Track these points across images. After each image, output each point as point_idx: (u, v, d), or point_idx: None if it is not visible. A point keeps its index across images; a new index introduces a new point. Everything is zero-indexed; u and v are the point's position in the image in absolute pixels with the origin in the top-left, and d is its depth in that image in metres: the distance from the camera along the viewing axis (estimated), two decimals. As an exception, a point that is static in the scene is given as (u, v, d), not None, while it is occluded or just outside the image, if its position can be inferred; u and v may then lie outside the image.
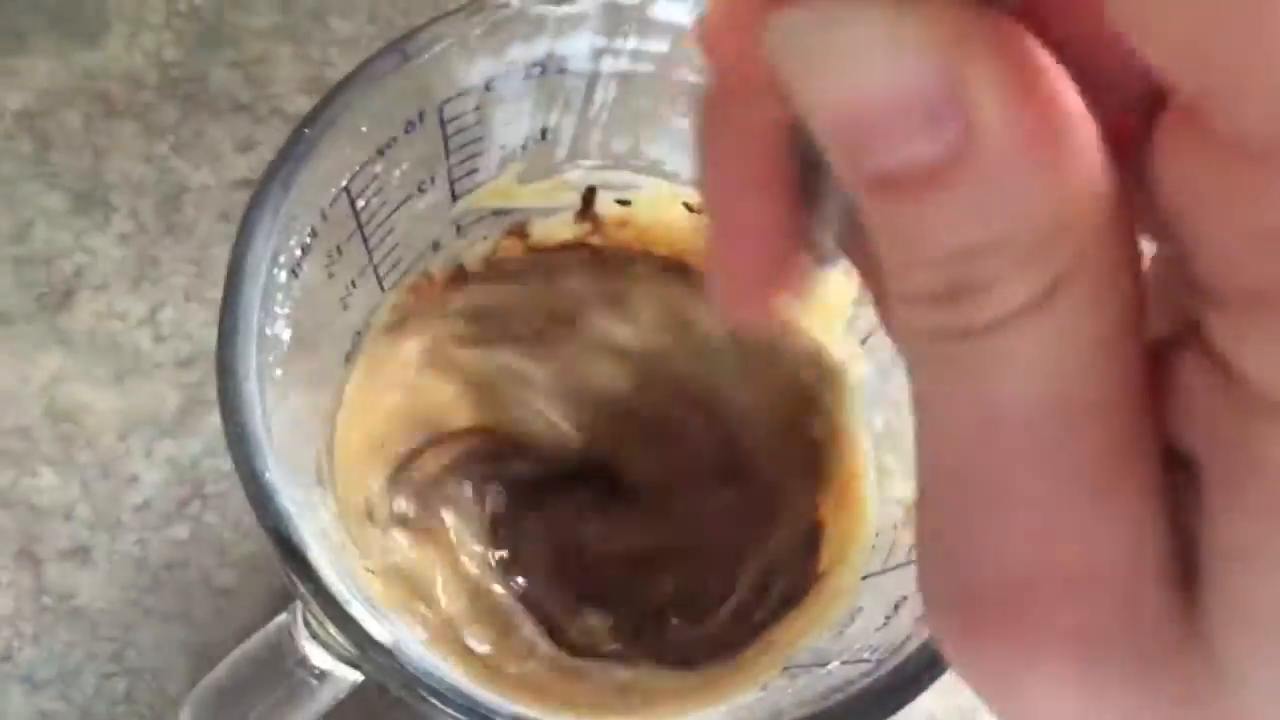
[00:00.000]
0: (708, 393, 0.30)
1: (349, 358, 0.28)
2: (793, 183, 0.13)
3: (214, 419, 0.34)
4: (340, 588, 0.21)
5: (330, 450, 0.27)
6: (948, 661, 0.12)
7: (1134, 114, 0.12)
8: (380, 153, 0.25)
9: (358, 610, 0.21)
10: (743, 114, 0.13)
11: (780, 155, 0.13)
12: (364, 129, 0.24)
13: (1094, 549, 0.11)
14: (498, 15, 0.24)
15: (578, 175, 0.29)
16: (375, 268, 0.27)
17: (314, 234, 0.24)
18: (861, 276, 0.14)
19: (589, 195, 0.29)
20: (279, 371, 0.23)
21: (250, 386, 0.22)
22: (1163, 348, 0.12)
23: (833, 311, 0.30)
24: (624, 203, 0.30)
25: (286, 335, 0.24)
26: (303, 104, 0.37)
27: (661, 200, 0.29)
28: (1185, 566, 0.11)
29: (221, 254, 0.35)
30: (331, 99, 0.24)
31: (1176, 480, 0.11)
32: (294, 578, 0.21)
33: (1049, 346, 0.11)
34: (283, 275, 0.24)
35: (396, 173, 0.26)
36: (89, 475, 0.34)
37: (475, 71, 0.25)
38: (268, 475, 0.21)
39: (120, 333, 0.35)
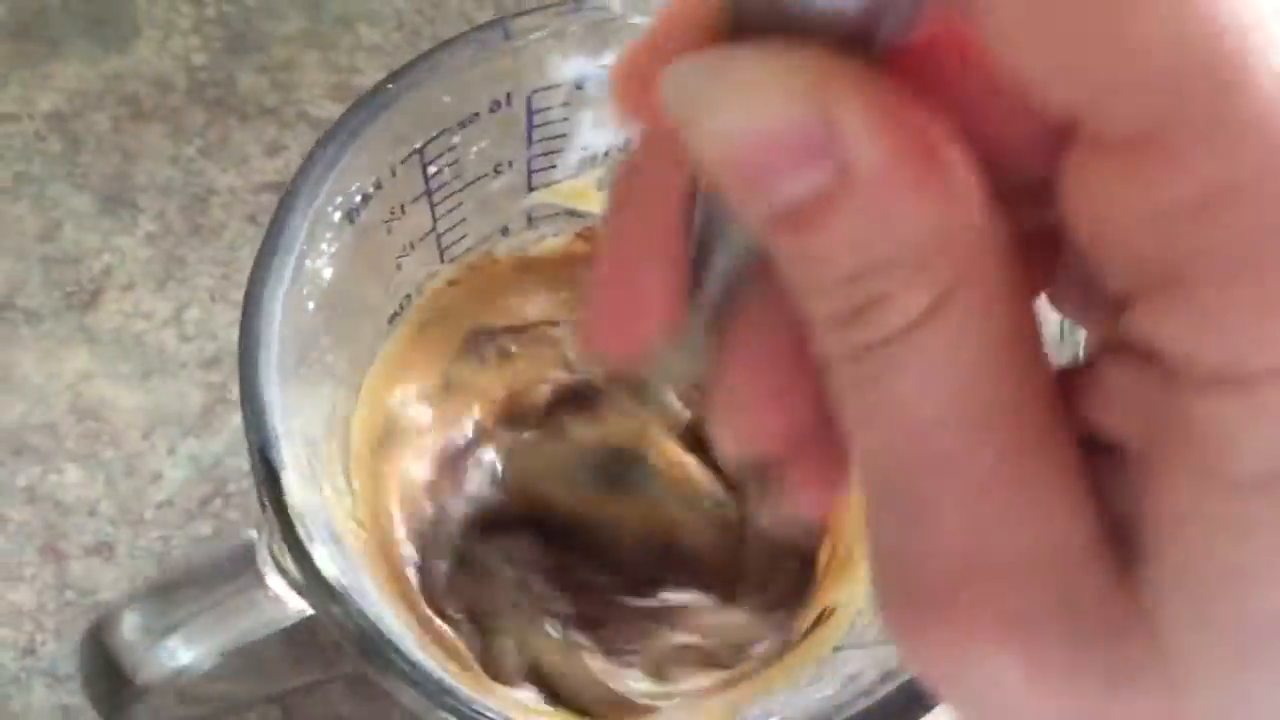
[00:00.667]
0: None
1: (393, 318, 0.28)
2: (685, 249, 0.15)
3: (237, 419, 0.35)
4: (309, 520, 0.22)
5: (352, 397, 0.27)
6: (900, 652, 0.13)
7: (1033, 166, 0.13)
8: (462, 125, 0.25)
9: (321, 550, 0.22)
10: (657, 172, 0.15)
11: (679, 222, 0.15)
12: (447, 98, 0.24)
13: (1018, 538, 0.12)
14: (597, 17, 0.25)
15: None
16: (439, 236, 0.27)
17: (378, 186, 0.24)
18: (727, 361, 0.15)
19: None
20: (311, 304, 0.24)
21: (274, 304, 0.22)
22: (1087, 362, 0.13)
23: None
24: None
25: (328, 274, 0.24)
26: (329, 109, 0.38)
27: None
28: (1123, 551, 0.12)
29: (247, 256, 0.36)
30: (423, 60, 0.24)
31: (1104, 474, 0.12)
32: (264, 497, 0.21)
33: (940, 356, 0.12)
34: (336, 215, 0.24)
35: (474, 149, 0.26)
36: (113, 472, 0.34)
37: (569, 67, 0.25)
38: (265, 389, 0.22)
39: (146, 332, 0.35)
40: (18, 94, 0.37)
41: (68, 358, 0.35)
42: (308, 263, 0.23)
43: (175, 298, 0.36)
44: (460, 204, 0.27)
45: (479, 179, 0.27)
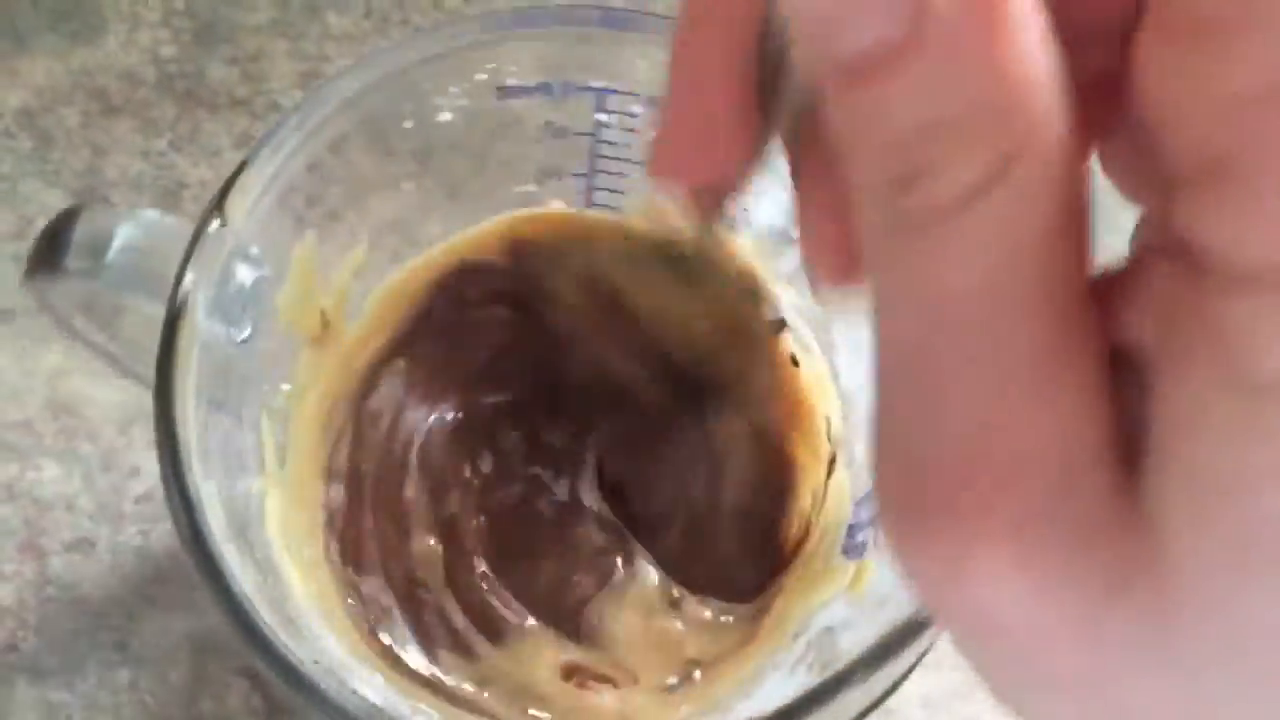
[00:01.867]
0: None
1: (504, 209, 0.28)
2: (754, 77, 0.14)
3: (214, 411, 0.35)
4: (214, 248, 0.24)
5: (415, 247, 0.28)
6: (897, 559, 0.12)
7: (1109, 46, 0.12)
8: (651, 102, 0.25)
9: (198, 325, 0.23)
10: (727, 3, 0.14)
11: (750, 48, 0.14)
12: (642, 62, 0.24)
13: (1032, 434, 0.12)
14: None
15: (789, 297, 0.29)
16: (590, 183, 0.27)
17: (546, 90, 0.25)
18: (797, 197, 0.15)
19: (779, 324, 0.29)
20: (344, 145, 0.25)
21: (352, 83, 0.23)
22: (1125, 261, 0.12)
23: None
24: (794, 360, 0.29)
25: (444, 117, 0.25)
26: (300, 99, 0.38)
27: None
28: (1128, 455, 0.12)
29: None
30: (635, 16, 0.24)
31: (1123, 380, 0.12)
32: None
33: (990, 234, 0.11)
34: (481, 76, 0.24)
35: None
36: (91, 467, 0.34)
37: None
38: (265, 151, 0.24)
39: (121, 327, 0.35)
40: (-14, 91, 0.37)
41: (42, 354, 0.35)
42: (432, 95, 0.24)
43: (149, 292, 0.36)
44: (622, 175, 0.27)
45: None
